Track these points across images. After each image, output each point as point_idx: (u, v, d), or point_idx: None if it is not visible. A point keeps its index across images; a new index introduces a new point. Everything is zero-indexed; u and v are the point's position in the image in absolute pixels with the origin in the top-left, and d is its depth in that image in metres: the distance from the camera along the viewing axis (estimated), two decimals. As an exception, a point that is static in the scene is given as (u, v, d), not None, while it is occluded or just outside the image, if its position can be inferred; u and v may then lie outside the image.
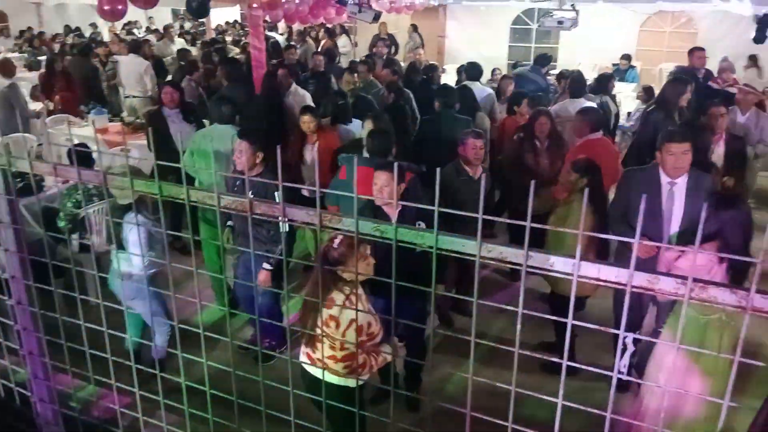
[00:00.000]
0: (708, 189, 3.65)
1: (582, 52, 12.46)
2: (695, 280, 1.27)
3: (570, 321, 1.41)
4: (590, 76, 11.12)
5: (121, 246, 3.45)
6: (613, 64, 11.50)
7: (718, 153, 4.90)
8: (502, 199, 6.23)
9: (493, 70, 10.31)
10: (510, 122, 5.93)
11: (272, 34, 13.48)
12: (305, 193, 4.97)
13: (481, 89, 6.72)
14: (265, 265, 3.84)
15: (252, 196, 3.87)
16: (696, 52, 7.42)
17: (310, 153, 5.07)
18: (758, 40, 6.92)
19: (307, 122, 4.97)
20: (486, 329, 4.49)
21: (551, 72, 10.86)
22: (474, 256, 1.46)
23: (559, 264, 1.38)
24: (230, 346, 1.80)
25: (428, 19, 13.83)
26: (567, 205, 4.00)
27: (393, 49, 12.68)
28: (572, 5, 5.86)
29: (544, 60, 8.34)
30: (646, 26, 12.73)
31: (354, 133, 5.29)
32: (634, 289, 1.33)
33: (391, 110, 5.66)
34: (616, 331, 1.39)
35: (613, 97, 7.53)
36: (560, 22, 5.92)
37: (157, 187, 1.65)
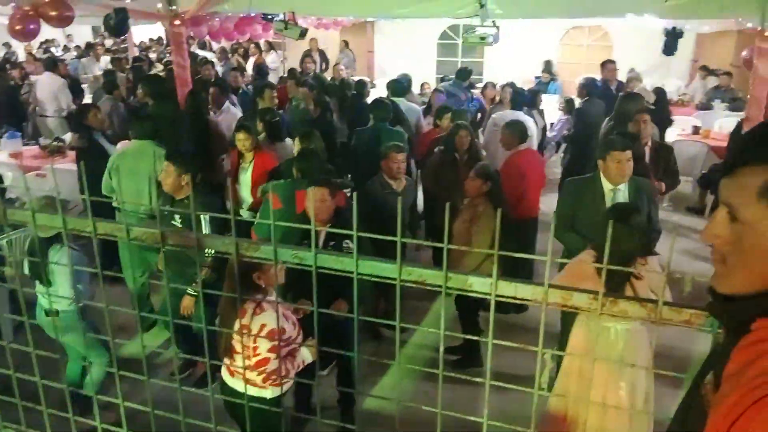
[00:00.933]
0: (649, 193, 3.82)
1: (507, 66, 12.89)
2: (606, 294, 1.31)
3: (491, 340, 1.42)
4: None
5: (45, 279, 3.25)
6: (536, 77, 11.96)
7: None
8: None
9: (422, 84, 10.49)
10: (433, 135, 6.05)
11: (203, 52, 13.24)
12: (243, 214, 4.88)
13: (407, 104, 6.84)
14: (189, 290, 3.71)
15: (180, 219, 3.71)
16: (608, 64, 7.80)
17: (245, 172, 4.97)
18: (667, 52, 7.34)
19: (242, 140, 4.87)
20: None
21: (477, 85, 11.16)
22: (395, 279, 1.45)
23: (477, 284, 1.40)
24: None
25: (357, 35, 13.93)
26: (473, 208, 4.14)
27: (324, 65, 12.70)
28: (493, 22, 6.02)
29: (465, 74, 8.54)
30: (565, 40, 13.31)
31: (290, 151, 5.25)
32: (550, 306, 1.36)
33: (318, 126, 5.65)
34: (534, 348, 1.41)
35: (541, 112, 7.83)
36: (482, 38, 6.08)
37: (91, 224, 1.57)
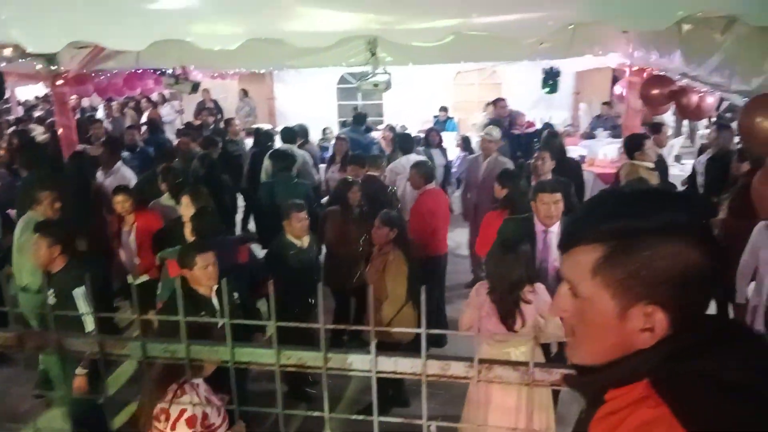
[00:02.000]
0: None
1: (406, 107, 13.28)
2: (481, 361, 1.32)
3: (376, 418, 1.39)
4: (415, 128, 11.86)
5: None
6: (434, 116, 12.38)
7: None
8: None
9: (324, 129, 10.57)
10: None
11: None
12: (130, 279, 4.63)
13: (300, 153, 6.84)
14: (78, 370, 3.42)
15: (54, 296, 3.42)
16: (498, 102, 8.20)
17: (127, 236, 4.73)
18: (549, 90, 7.81)
19: (120, 202, 4.63)
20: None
21: (379, 127, 11.39)
22: (273, 364, 1.40)
23: (357, 362, 1.37)
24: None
25: (256, 83, 13.89)
26: (383, 256, 4.16)
27: (219, 116, 12.51)
28: (384, 69, 6.18)
29: (360, 119, 8.62)
30: (458, 80, 13.92)
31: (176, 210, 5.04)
32: (429, 378, 1.35)
33: (206, 182, 5.49)
34: (419, 422, 1.40)
35: (443, 150, 8.06)
36: (375, 85, 6.21)
37: None
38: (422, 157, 6.29)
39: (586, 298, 0.92)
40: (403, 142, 6.90)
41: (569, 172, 6.05)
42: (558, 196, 3.75)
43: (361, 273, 4.63)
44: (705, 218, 0.91)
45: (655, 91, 4.70)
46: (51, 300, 3.36)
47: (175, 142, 8.47)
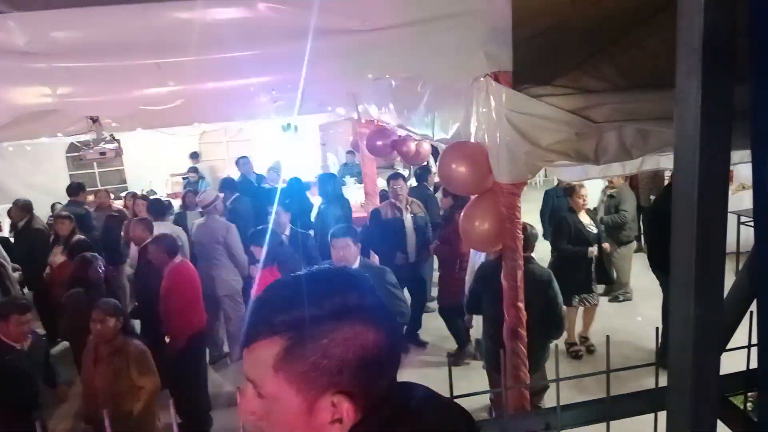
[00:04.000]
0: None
1: (151, 168, 12.52)
2: None
3: None
4: (164, 192, 11.22)
5: None
6: (183, 178, 11.86)
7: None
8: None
9: (53, 205, 9.38)
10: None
11: None
12: None
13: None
14: None
15: None
16: (241, 160, 8.20)
17: None
18: (290, 144, 8.04)
19: None
20: None
21: (121, 195, 10.50)
22: None
23: None
24: None
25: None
26: (121, 352, 3.79)
27: None
28: (111, 135, 5.71)
29: (73, 190, 7.79)
30: (205, 139, 13.60)
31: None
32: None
33: None
34: None
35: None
36: (102, 153, 5.71)
37: None
38: (166, 230, 5.86)
39: (272, 397, 0.86)
40: (153, 207, 6.45)
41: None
42: (346, 240, 4.00)
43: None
44: (373, 295, 0.91)
45: (379, 142, 5.11)
46: None
47: None
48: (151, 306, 4.85)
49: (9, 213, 7.19)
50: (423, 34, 2.45)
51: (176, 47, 2.20)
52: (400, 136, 4.93)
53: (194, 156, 11.96)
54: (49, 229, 7.17)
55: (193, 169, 11.84)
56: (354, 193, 10.11)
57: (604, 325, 6.09)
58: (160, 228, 5.82)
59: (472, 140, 2.82)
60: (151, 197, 8.07)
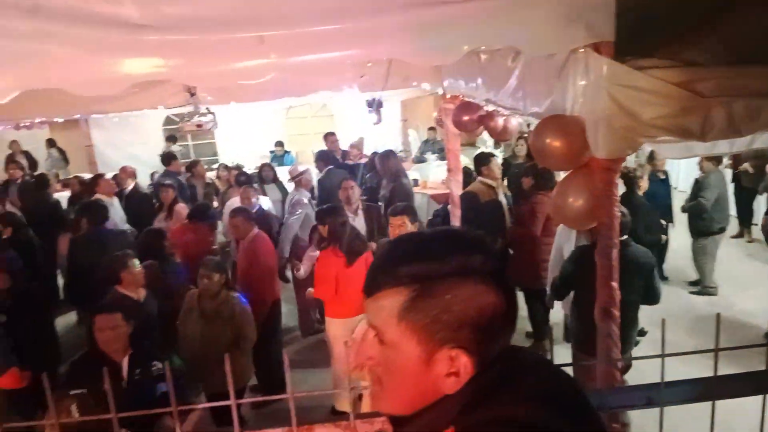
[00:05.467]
0: None
1: (240, 144, 13.00)
2: (299, 423, 1.25)
3: None
4: (252, 165, 11.65)
5: None
6: (270, 151, 12.26)
7: (359, 224, 5.52)
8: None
9: (152, 175, 9.98)
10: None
11: None
12: None
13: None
14: None
15: None
16: (329, 137, 8.32)
17: None
18: (376, 121, 8.11)
19: None
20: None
21: (213, 167, 11.01)
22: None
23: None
24: None
25: (70, 130, 12.74)
26: (226, 303, 4.18)
27: (32, 167, 11.40)
28: (207, 108, 5.98)
29: (166, 159, 8.21)
30: (290, 115, 13.96)
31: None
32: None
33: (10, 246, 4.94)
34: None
35: (280, 184, 7.94)
36: (199, 126, 5.99)
37: None
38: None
39: (392, 345, 0.90)
40: (239, 179, 6.83)
41: (402, 194, 6.36)
42: (402, 219, 3.97)
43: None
44: (498, 259, 0.93)
45: (466, 117, 5.04)
46: None
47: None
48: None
49: (115, 178, 7.71)
50: (521, 4, 2.39)
51: (279, 20, 2.27)
52: (487, 111, 4.85)
53: (279, 144, 12.30)
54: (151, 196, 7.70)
55: (279, 143, 12.20)
56: (435, 170, 10.10)
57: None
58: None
59: (567, 114, 2.74)
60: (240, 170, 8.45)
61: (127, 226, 6.54)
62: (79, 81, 2.16)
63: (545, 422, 0.83)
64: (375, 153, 7.63)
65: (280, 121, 13.70)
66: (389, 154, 7.01)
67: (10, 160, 10.80)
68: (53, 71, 2.07)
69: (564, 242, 4.42)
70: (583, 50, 2.58)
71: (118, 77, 2.25)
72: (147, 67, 2.39)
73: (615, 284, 2.62)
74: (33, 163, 11.71)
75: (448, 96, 6.01)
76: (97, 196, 6.62)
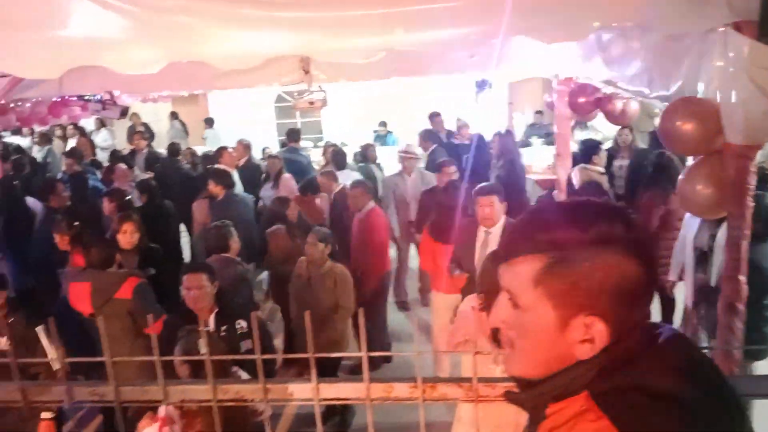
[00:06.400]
0: None
1: (344, 123, 13.29)
2: (425, 380, 1.30)
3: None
4: (355, 144, 11.90)
5: None
6: (374, 131, 12.45)
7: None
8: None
9: (264, 149, 10.45)
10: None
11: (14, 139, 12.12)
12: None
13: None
14: (44, 414, 3.18)
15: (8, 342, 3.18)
16: (435, 117, 8.32)
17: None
18: (481, 102, 8.02)
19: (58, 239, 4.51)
20: None
21: (318, 144, 11.35)
22: (209, 400, 1.34)
23: (298, 391, 1.33)
24: None
25: (190, 104, 13.62)
26: (328, 272, 4.31)
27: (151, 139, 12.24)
28: (319, 86, 6.14)
29: (295, 135, 8.55)
30: (391, 94, 14.04)
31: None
32: (374, 401, 1.32)
33: (146, 211, 5.37)
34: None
35: (378, 164, 8.10)
36: (311, 102, 6.16)
37: None
38: (356, 174, 6.36)
39: (526, 309, 0.92)
40: (336, 157, 6.97)
41: (517, 175, 6.30)
42: (490, 199, 3.96)
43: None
44: (639, 230, 0.93)
45: (582, 99, 4.87)
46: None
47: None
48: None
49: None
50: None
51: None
52: (604, 93, 4.66)
53: (383, 124, 12.46)
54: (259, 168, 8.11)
55: (383, 123, 12.36)
56: (540, 155, 9.82)
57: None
58: (343, 176, 6.35)
59: (699, 96, 2.59)
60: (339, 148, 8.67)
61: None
62: (219, 54, 2.32)
63: (685, 394, 0.83)
64: (498, 133, 7.52)
65: (385, 101, 13.83)
66: (509, 134, 6.92)
67: (134, 131, 11.69)
68: (196, 45, 2.24)
69: (687, 231, 4.19)
70: (722, 29, 2.42)
71: (253, 52, 2.39)
72: (277, 43, 2.52)
73: (743, 278, 2.47)
74: (151, 135, 12.58)
75: (562, 78, 5.83)
76: (219, 166, 7.05)
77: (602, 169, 5.84)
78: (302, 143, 9.29)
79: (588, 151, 6.07)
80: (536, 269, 0.90)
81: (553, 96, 6.48)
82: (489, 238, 4.05)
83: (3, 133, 9.97)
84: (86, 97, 7.89)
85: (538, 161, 9.55)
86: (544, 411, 0.93)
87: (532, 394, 0.95)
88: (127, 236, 4.39)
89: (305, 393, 1.29)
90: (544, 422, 0.92)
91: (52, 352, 3.15)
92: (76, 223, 4.64)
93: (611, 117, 4.82)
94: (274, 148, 11.02)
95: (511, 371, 0.98)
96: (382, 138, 11.89)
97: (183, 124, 13.58)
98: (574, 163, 6.13)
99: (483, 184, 4.47)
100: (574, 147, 6.95)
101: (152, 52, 2.25)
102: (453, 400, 1.30)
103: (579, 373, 0.90)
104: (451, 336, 3.18)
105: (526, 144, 11.03)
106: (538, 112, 11.83)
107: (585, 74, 4.80)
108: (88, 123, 12.43)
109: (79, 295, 3.73)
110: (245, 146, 8.14)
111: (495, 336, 3.02)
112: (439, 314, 4.67)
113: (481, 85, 6.95)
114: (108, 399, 1.30)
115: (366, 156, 8.08)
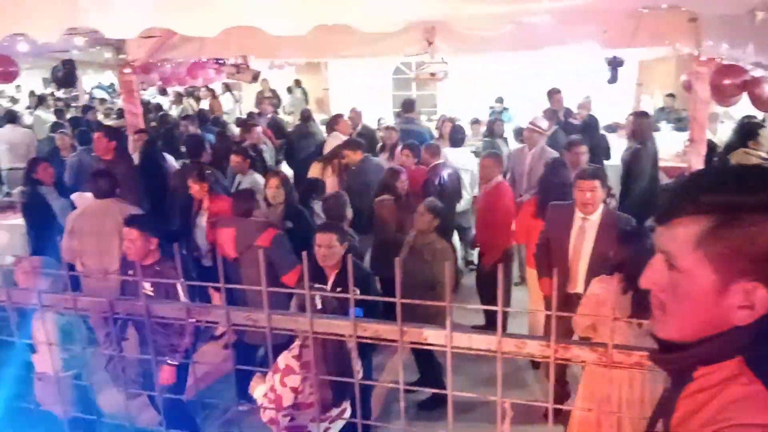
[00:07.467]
0: (621, 226, 3.67)
1: (459, 97, 13.16)
2: (558, 341, 1.33)
3: (450, 392, 1.42)
4: (468, 119, 11.80)
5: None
6: (490, 107, 12.26)
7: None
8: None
9: (379, 120, 10.64)
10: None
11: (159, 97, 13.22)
12: (205, 263, 4.89)
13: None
14: (169, 360, 3.49)
15: (151, 288, 3.51)
16: (554, 94, 8.03)
17: (200, 218, 4.95)
18: (611, 80, 7.63)
19: (195, 187, 4.87)
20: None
21: (432, 117, 11.35)
22: (344, 336, 1.44)
23: (432, 337, 1.39)
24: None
25: (311, 73, 14.06)
26: (429, 245, 4.30)
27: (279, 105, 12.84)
28: (441, 58, 6.17)
29: (409, 106, 8.52)
30: (508, 71, 13.68)
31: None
32: (505, 355, 1.36)
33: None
34: (493, 398, 1.41)
35: (505, 140, 8.01)
36: (432, 74, 6.22)
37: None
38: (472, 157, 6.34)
39: (684, 271, 0.91)
40: (454, 134, 6.91)
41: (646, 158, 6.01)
42: (594, 183, 3.72)
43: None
44: None
45: (727, 81, 4.50)
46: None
47: (236, 131, 8.79)
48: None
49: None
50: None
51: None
52: (752, 76, 4.29)
53: (499, 101, 12.25)
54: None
55: (500, 100, 12.13)
56: (669, 141, 9.24)
57: None
58: (451, 154, 6.30)
59: None
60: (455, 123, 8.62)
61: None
62: (365, 18, 2.40)
63: None
64: (633, 113, 7.19)
65: (500, 76, 13.54)
66: (645, 115, 6.58)
67: (261, 97, 12.29)
68: (346, 8, 2.33)
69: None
70: None
71: (395, 17, 2.45)
72: (423, 8, 2.55)
73: None
74: (279, 101, 13.16)
75: (703, 58, 5.43)
76: (335, 134, 7.29)
77: (765, 155, 5.35)
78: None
79: (745, 134, 5.57)
80: (699, 231, 0.89)
81: (691, 77, 6.07)
82: (586, 226, 3.80)
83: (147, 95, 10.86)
84: (220, 61, 8.41)
85: (667, 147, 8.99)
86: (692, 373, 0.92)
87: (681, 357, 0.95)
88: (273, 190, 4.71)
89: (439, 339, 1.36)
90: (690, 384, 0.92)
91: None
92: (209, 171, 5.02)
93: (758, 101, 4.43)
94: (389, 120, 11.17)
95: (661, 333, 0.98)
96: (498, 114, 11.68)
97: (304, 92, 14.06)
98: (726, 149, 5.68)
99: (587, 167, 4.30)
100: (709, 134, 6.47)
101: (303, 14, 2.37)
102: (583, 363, 1.32)
103: (734, 338, 0.89)
104: (575, 323, 3.14)
105: (654, 129, 10.40)
106: (670, 95, 11.06)
107: (730, 56, 4.46)
108: (215, 87, 13.23)
109: (226, 240, 4.06)
110: (358, 114, 8.36)
111: (638, 313, 2.88)
112: (535, 290, 4.61)
113: (613, 62, 6.58)
114: (260, 324, 1.43)
115: (493, 131, 8.01)
